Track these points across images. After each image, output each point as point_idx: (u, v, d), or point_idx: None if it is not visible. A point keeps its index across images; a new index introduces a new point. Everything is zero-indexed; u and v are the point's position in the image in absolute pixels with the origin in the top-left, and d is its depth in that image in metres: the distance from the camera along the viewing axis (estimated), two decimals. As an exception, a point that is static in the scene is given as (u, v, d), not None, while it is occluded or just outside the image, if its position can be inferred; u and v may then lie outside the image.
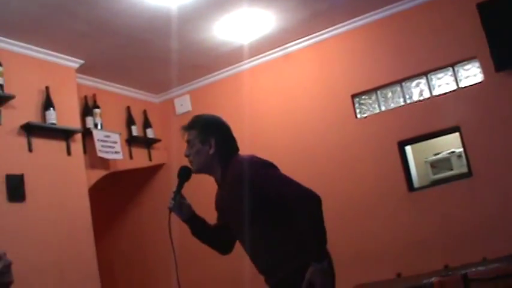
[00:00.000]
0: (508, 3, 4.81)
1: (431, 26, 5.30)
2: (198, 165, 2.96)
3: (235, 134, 3.03)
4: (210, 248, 3.17)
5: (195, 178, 3.01)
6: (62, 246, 4.74)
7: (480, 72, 5.09)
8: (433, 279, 4.27)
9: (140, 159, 6.31)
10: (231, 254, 3.19)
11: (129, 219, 6.91)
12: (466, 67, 5.19)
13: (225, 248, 3.15)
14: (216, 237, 3.13)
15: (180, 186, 2.99)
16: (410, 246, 5.09)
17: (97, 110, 5.66)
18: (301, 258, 2.69)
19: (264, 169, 2.83)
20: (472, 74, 5.16)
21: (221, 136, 2.98)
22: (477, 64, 5.11)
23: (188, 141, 2.99)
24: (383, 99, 5.59)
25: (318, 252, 2.64)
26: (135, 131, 6.20)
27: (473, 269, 4.25)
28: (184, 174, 2.99)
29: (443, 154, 5.49)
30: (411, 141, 5.42)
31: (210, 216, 3.13)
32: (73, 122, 5.23)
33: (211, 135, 2.95)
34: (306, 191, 2.71)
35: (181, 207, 3.01)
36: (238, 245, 3.07)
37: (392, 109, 5.51)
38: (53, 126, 4.91)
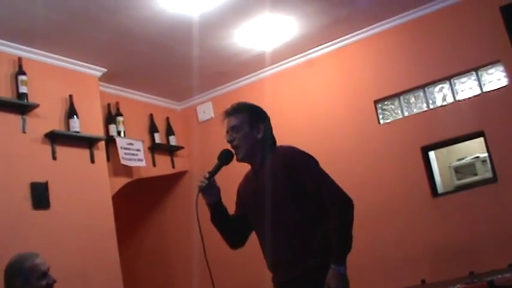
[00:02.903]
0: (532, 6, 4.77)
1: (453, 30, 5.25)
2: (246, 150, 2.96)
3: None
4: (224, 238, 3.16)
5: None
6: (86, 253, 4.77)
7: (504, 76, 5.03)
8: (458, 286, 4.22)
9: (163, 166, 6.34)
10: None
11: (152, 226, 6.93)
12: (490, 71, 5.13)
13: (238, 241, 3.15)
14: (234, 228, 3.12)
15: (217, 168, 2.97)
16: (434, 252, 5.04)
17: (120, 118, 5.70)
18: (323, 258, 2.70)
19: (308, 160, 2.91)
20: (495, 78, 5.10)
21: (267, 123, 3.06)
22: (501, 68, 5.06)
23: (233, 127, 2.98)
24: (406, 104, 5.55)
25: (340, 255, 2.65)
26: (158, 138, 6.23)
27: (499, 276, 4.19)
28: (226, 158, 2.98)
29: (468, 159, 5.44)
30: (435, 146, 5.37)
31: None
32: (96, 129, 5.27)
33: (260, 120, 3.01)
34: (342, 191, 2.77)
35: (211, 189, 2.99)
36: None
37: (415, 114, 5.47)
38: (77, 134, 4.96)
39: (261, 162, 2.97)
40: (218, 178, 3.04)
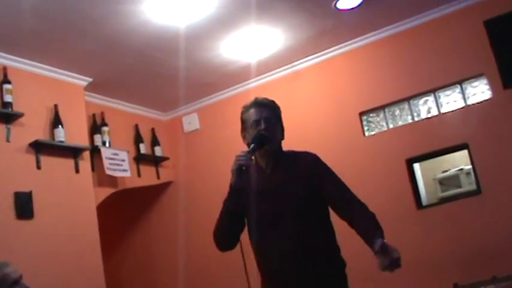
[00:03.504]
0: (515, 21, 4.83)
1: (438, 43, 5.30)
2: (275, 144, 3.00)
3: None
4: (225, 233, 3.05)
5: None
6: (70, 263, 4.73)
7: (488, 89, 5.08)
8: (442, 298, 4.24)
9: (148, 177, 6.32)
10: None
11: (137, 237, 6.90)
12: (474, 84, 5.18)
13: (235, 239, 3.04)
14: (238, 221, 3.04)
15: (253, 150, 2.89)
16: (418, 264, 5.05)
17: (105, 128, 5.69)
18: (339, 265, 2.92)
19: (326, 165, 3.06)
20: (479, 91, 5.15)
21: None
22: (485, 81, 5.11)
23: (268, 118, 3.00)
24: (391, 116, 5.59)
25: (382, 233, 2.83)
26: (143, 148, 6.21)
27: None
28: (261, 141, 2.92)
29: (452, 171, 5.48)
30: (419, 158, 5.40)
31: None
32: (81, 139, 5.25)
33: (281, 119, 3.11)
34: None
35: (242, 172, 2.87)
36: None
37: (400, 126, 5.50)
38: (62, 144, 4.93)
39: (276, 163, 3.00)
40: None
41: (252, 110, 3.04)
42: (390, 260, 2.68)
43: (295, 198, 2.90)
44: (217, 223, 3.05)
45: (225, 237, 3.07)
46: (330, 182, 2.98)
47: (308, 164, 3.01)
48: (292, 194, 2.90)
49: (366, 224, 2.87)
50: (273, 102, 3.10)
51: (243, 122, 3.11)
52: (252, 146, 2.86)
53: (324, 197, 2.96)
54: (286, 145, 3.14)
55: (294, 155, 3.08)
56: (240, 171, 2.81)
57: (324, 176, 2.98)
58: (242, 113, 3.12)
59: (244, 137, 3.11)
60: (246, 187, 2.94)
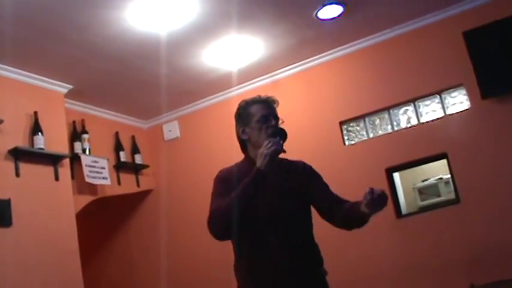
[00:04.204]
0: (493, 31, 4.88)
1: (418, 53, 5.36)
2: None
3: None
4: (235, 218, 2.68)
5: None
6: (49, 272, 4.69)
7: (467, 99, 5.14)
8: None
9: (128, 185, 6.29)
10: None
11: (117, 245, 6.86)
12: (453, 94, 5.24)
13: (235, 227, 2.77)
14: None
15: (283, 140, 2.82)
16: (398, 272, 5.08)
17: (85, 135, 5.65)
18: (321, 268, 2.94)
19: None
20: (458, 101, 5.21)
21: None
22: (464, 91, 5.16)
23: (274, 115, 3.00)
24: (371, 126, 5.62)
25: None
26: (124, 156, 6.19)
27: (462, 296, 4.25)
28: (284, 135, 2.87)
29: (431, 180, 5.51)
30: (399, 167, 5.44)
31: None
32: (61, 147, 5.22)
33: None
34: None
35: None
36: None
37: (380, 136, 5.54)
38: (41, 151, 4.90)
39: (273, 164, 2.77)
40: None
41: (258, 105, 2.99)
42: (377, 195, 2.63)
43: (294, 198, 2.91)
44: (222, 209, 2.70)
45: (230, 225, 2.71)
46: (320, 182, 3.04)
47: (304, 168, 3.07)
48: (290, 194, 2.90)
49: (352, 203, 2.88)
50: (277, 102, 3.10)
51: (243, 116, 3.02)
52: (277, 138, 2.78)
53: (313, 198, 2.98)
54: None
55: (287, 160, 3.06)
56: (276, 155, 2.72)
57: (316, 178, 3.04)
58: (241, 108, 3.05)
59: (243, 132, 3.01)
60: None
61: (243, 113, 3.04)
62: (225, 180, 2.91)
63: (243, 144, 3.07)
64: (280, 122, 3.02)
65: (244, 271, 2.88)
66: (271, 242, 2.80)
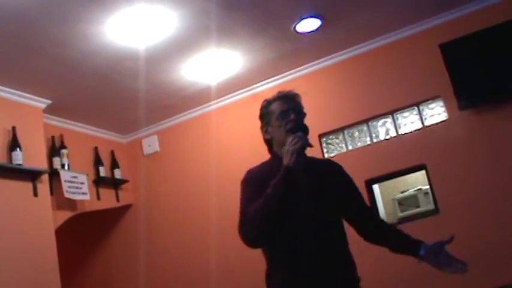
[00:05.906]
0: (469, 44, 4.94)
1: (396, 66, 5.41)
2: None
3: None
4: (271, 222, 2.52)
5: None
6: (28, 289, 4.64)
7: (444, 111, 5.19)
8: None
9: (108, 200, 6.25)
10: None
11: (97, 260, 6.80)
12: (431, 106, 5.29)
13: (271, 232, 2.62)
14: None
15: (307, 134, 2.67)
16: (377, 284, 5.08)
17: (64, 151, 5.61)
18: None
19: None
20: (436, 112, 5.26)
21: None
22: (441, 103, 5.22)
23: (294, 109, 2.84)
24: (350, 138, 5.65)
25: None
26: (103, 171, 6.15)
27: (442, 306, 4.27)
28: (303, 128, 2.71)
29: (410, 191, 5.55)
30: (378, 179, 5.47)
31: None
32: (40, 162, 5.17)
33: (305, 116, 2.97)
34: None
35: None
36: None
37: (359, 148, 5.57)
38: (19, 167, 4.85)
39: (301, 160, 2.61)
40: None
41: (277, 102, 2.87)
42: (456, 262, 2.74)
43: (331, 200, 2.80)
44: (253, 213, 2.53)
45: (263, 230, 2.56)
46: (356, 191, 3.02)
47: (337, 170, 3.01)
48: (328, 196, 2.79)
49: (399, 232, 3.02)
50: (299, 95, 2.96)
51: (265, 115, 2.92)
52: (299, 132, 2.61)
53: (345, 205, 2.93)
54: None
55: (316, 159, 3.00)
56: (303, 151, 2.58)
57: (351, 186, 3.01)
58: (263, 108, 2.96)
59: (266, 132, 2.94)
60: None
61: (264, 113, 2.94)
62: (253, 182, 2.78)
63: (269, 145, 2.99)
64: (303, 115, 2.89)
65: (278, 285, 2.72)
66: (309, 252, 2.66)
